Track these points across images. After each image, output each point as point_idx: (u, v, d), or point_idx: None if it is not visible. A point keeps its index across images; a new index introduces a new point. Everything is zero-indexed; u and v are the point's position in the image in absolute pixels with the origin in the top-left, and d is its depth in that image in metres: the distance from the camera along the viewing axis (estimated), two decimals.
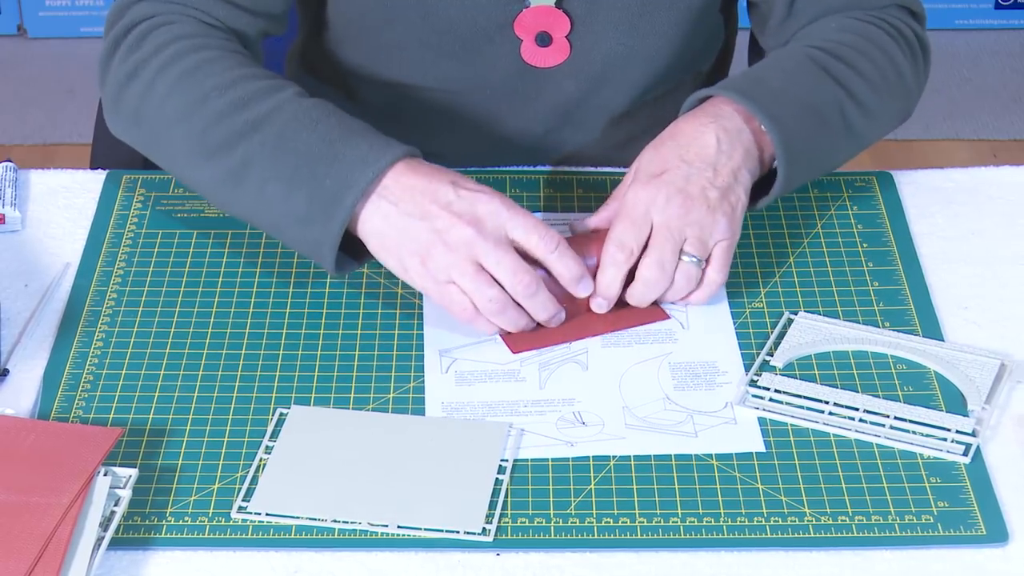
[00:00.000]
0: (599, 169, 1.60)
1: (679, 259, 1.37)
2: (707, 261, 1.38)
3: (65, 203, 1.55)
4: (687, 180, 1.37)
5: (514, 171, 1.58)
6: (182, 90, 1.42)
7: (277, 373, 1.35)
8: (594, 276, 1.37)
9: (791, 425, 1.31)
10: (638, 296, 1.38)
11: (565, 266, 1.35)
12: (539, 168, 1.59)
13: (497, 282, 1.33)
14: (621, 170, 1.59)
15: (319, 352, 1.38)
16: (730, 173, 1.39)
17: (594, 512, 1.23)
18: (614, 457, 1.28)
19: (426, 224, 1.33)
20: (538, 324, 1.37)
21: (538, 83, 1.58)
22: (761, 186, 1.44)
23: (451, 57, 1.57)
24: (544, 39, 1.54)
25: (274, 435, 1.29)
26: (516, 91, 1.59)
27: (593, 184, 1.57)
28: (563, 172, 1.58)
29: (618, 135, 1.65)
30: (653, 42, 1.57)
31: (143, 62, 1.45)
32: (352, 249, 1.38)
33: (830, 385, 1.34)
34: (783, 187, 1.42)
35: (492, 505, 1.23)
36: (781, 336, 1.39)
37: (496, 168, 1.59)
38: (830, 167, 1.52)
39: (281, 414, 1.31)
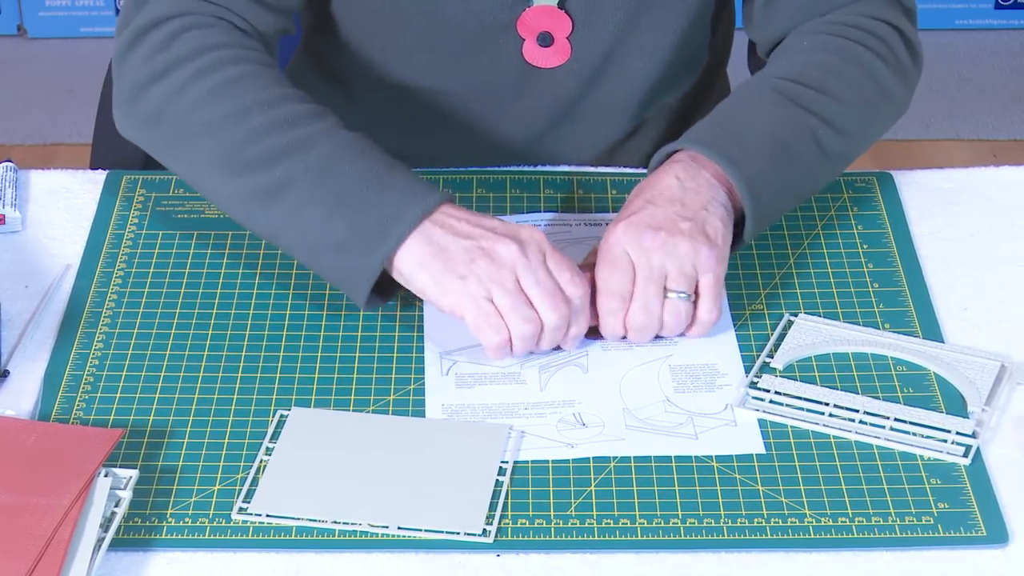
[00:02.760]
0: (599, 169, 1.60)
1: (665, 297, 1.35)
2: (697, 296, 1.36)
3: (65, 203, 1.55)
4: (653, 216, 1.36)
5: (514, 171, 1.58)
6: (220, 100, 1.39)
7: (277, 375, 1.35)
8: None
9: (791, 427, 1.31)
10: (633, 340, 1.37)
11: (584, 322, 1.35)
12: (539, 168, 1.59)
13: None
14: (621, 170, 1.59)
15: (319, 354, 1.38)
16: (699, 206, 1.37)
17: (594, 513, 1.23)
18: (614, 458, 1.28)
19: (470, 243, 1.32)
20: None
21: (539, 83, 1.58)
22: (737, 227, 1.43)
23: (454, 57, 1.57)
24: (546, 39, 1.55)
25: (274, 437, 1.29)
26: (517, 91, 1.59)
27: (593, 184, 1.57)
28: (563, 172, 1.58)
29: (618, 134, 1.65)
30: (653, 42, 1.57)
31: (174, 64, 1.42)
32: (378, 285, 1.36)
33: (830, 387, 1.34)
34: (755, 225, 1.41)
35: (492, 506, 1.23)
36: (781, 338, 1.39)
37: (496, 168, 1.59)
38: (811, 193, 1.50)
39: (281, 416, 1.31)
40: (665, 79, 1.61)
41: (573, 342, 1.35)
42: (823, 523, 1.22)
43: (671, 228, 1.35)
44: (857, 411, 1.31)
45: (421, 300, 1.42)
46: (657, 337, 1.37)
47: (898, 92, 1.52)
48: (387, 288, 1.37)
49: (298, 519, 1.22)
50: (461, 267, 1.32)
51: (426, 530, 1.21)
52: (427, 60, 1.58)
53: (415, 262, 1.33)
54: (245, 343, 1.39)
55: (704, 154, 1.40)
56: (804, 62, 1.48)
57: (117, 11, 3.55)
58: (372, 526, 1.22)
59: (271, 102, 1.39)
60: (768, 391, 1.33)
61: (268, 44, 1.51)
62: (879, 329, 1.40)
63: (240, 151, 1.37)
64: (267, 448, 1.28)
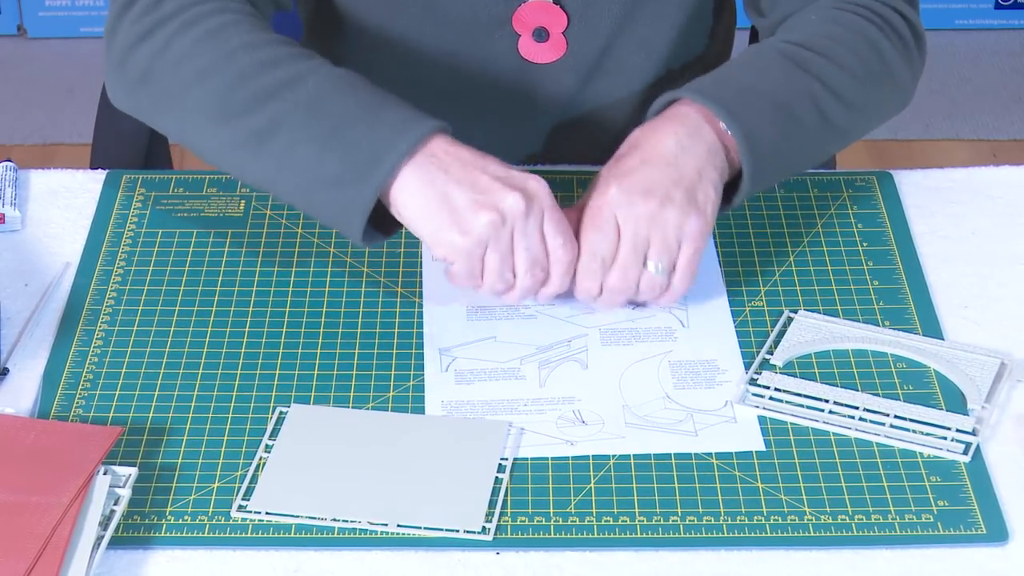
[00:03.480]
0: (599, 169, 1.59)
1: (644, 268, 1.35)
2: (675, 266, 1.36)
3: (65, 203, 1.55)
4: (649, 180, 1.35)
5: None
6: (204, 49, 1.37)
7: (277, 372, 1.35)
8: None
9: (791, 424, 1.31)
10: (605, 301, 1.37)
11: (559, 285, 1.35)
12: (539, 168, 1.59)
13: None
14: None
15: (319, 351, 1.38)
16: (694, 171, 1.36)
17: (594, 511, 1.23)
18: (614, 456, 1.28)
19: (477, 196, 1.31)
20: None
21: (534, 79, 1.58)
22: (734, 187, 1.42)
23: (449, 51, 1.57)
24: (541, 34, 1.55)
25: (274, 434, 1.29)
26: (513, 87, 1.59)
27: None
28: (563, 172, 1.58)
29: (616, 130, 1.65)
30: (651, 37, 1.57)
31: (159, 23, 1.40)
32: (377, 222, 1.35)
33: (830, 384, 1.34)
34: (751, 184, 1.39)
35: (492, 504, 1.23)
36: (781, 335, 1.39)
37: None
38: (810, 162, 1.48)
39: (281, 413, 1.31)
40: (663, 76, 1.61)
41: (545, 298, 1.36)
42: (823, 521, 1.22)
43: (663, 196, 1.34)
44: (857, 408, 1.31)
45: (421, 296, 1.43)
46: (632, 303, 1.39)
47: (902, 75, 1.51)
48: (387, 226, 1.37)
49: (297, 517, 1.22)
50: (465, 222, 1.30)
51: (426, 528, 1.21)
52: (422, 54, 1.58)
53: (418, 210, 1.32)
54: (244, 340, 1.39)
55: (706, 106, 1.38)
56: (812, 31, 1.47)
57: None
58: (372, 524, 1.22)
59: (256, 44, 1.37)
60: (768, 388, 1.33)
61: (263, 16, 1.49)
62: (879, 326, 1.40)
63: (228, 96, 1.35)
64: (266, 445, 1.28)
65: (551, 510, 1.23)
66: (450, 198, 1.31)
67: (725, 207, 1.41)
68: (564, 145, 1.64)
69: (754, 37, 1.73)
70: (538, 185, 1.33)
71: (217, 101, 1.36)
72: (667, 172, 1.35)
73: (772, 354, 1.37)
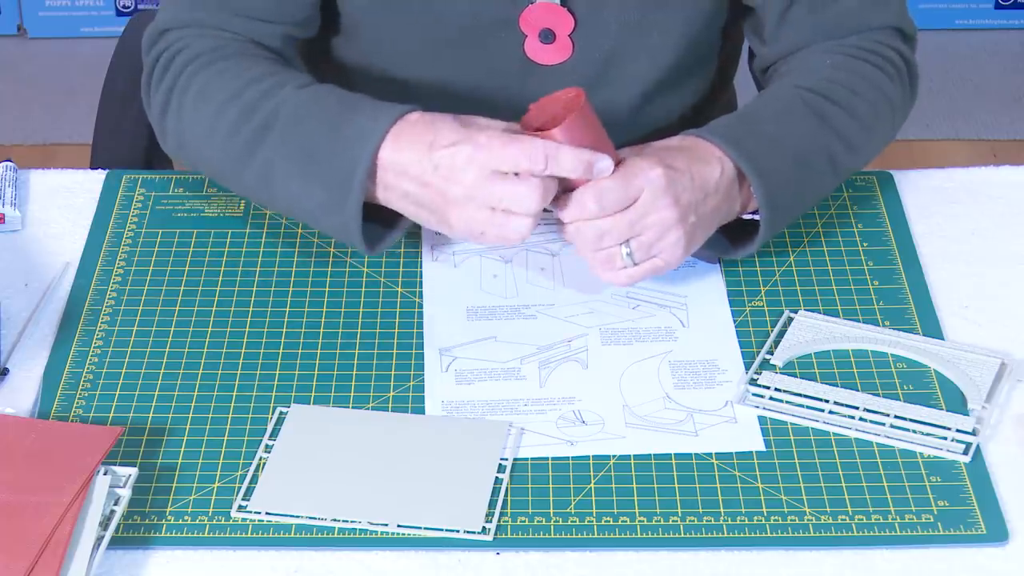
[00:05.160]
0: None
1: (619, 245, 1.36)
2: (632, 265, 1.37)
3: (65, 203, 1.55)
4: (684, 190, 1.36)
5: None
6: (200, 109, 1.45)
7: (277, 372, 1.35)
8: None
9: (791, 424, 1.31)
10: (567, 234, 1.37)
11: (567, 166, 1.33)
12: None
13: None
14: None
15: (319, 351, 1.38)
16: (712, 211, 1.38)
17: (594, 511, 1.23)
18: (614, 456, 1.28)
19: (432, 191, 1.34)
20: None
21: (540, 80, 1.58)
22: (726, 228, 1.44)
23: (456, 52, 1.57)
24: (548, 36, 1.54)
25: (274, 434, 1.29)
26: (519, 88, 1.58)
27: None
28: None
29: (621, 138, 1.64)
30: (657, 43, 1.57)
31: (170, 90, 1.49)
32: (388, 219, 1.40)
33: (830, 384, 1.34)
34: (763, 239, 1.42)
35: (492, 504, 1.23)
36: (781, 335, 1.39)
37: None
38: (809, 208, 1.51)
39: (281, 413, 1.31)
40: (669, 83, 1.61)
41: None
42: (823, 521, 1.22)
43: (683, 215, 1.35)
44: (857, 408, 1.31)
45: (421, 296, 1.43)
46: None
47: (902, 115, 1.56)
48: (395, 221, 1.41)
49: (297, 517, 1.22)
50: (445, 209, 1.34)
51: (426, 528, 1.21)
52: (429, 54, 1.58)
53: (404, 211, 1.38)
54: (244, 340, 1.39)
55: (740, 165, 1.39)
56: (831, 78, 1.49)
57: (117, 11, 3.56)
58: (372, 524, 1.22)
59: (235, 94, 1.44)
60: (768, 388, 1.33)
61: (275, 50, 1.53)
62: (879, 326, 1.40)
63: (228, 149, 1.43)
64: (266, 446, 1.28)
65: (551, 510, 1.23)
66: (423, 204, 1.36)
67: (729, 254, 1.44)
68: None
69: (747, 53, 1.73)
70: (471, 146, 1.33)
71: (225, 154, 1.44)
72: (700, 196, 1.37)
73: (772, 354, 1.37)
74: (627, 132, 1.64)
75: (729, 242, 1.44)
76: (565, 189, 1.35)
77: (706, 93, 1.67)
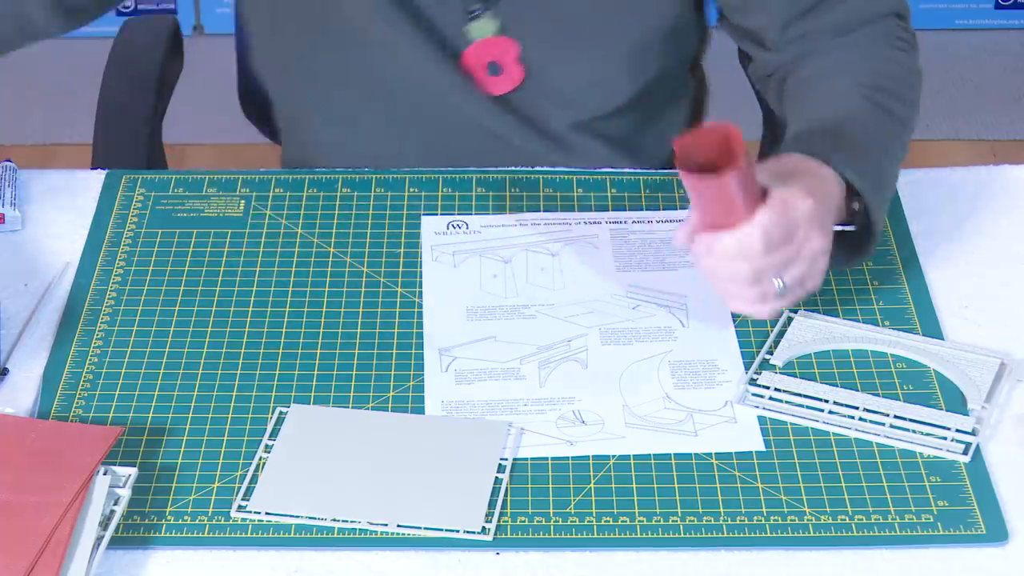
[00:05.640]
0: (599, 169, 1.59)
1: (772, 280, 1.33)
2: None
3: (65, 203, 1.55)
4: (827, 217, 1.34)
5: (514, 171, 1.58)
6: None
7: (276, 372, 1.35)
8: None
9: (791, 424, 1.31)
10: (710, 269, 1.33)
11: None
12: (539, 168, 1.59)
13: None
14: (621, 170, 1.59)
15: (319, 351, 1.38)
16: (831, 226, 1.36)
17: (594, 511, 1.23)
18: (614, 456, 1.28)
19: None
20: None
21: (505, 111, 1.57)
22: None
23: (415, 119, 1.57)
24: (495, 69, 1.55)
25: (273, 434, 1.29)
26: (485, 127, 1.58)
27: (593, 184, 1.57)
28: (563, 172, 1.58)
29: (593, 145, 1.63)
30: (610, 49, 1.56)
31: None
32: None
33: (830, 384, 1.34)
34: (877, 241, 1.41)
35: (492, 504, 1.23)
36: (781, 335, 1.39)
37: (496, 168, 1.59)
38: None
39: (281, 413, 1.31)
40: (635, 85, 1.59)
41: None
42: (822, 521, 1.22)
43: (827, 240, 1.34)
44: (857, 408, 1.31)
45: (421, 296, 1.43)
46: None
47: (922, 78, 1.57)
48: None
49: (297, 517, 1.22)
50: None
51: (425, 528, 1.21)
52: (387, 134, 1.59)
53: None
54: (244, 340, 1.39)
55: (853, 183, 1.37)
56: (873, 71, 1.50)
57: (117, 11, 3.55)
58: (371, 524, 1.22)
59: None
60: (768, 388, 1.33)
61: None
62: (879, 326, 1.40)
63: None
64: (266, 446, 1.28)
65: (551, 510, 1.23)
66: None
67: (851, 263, 1.43)
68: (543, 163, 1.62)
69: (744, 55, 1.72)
70: None
71: None
72: (831, 222, 1.35)
73: (772, 354, 1.37)
74: (605, 138, 1.62)
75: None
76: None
77: (681, 86, 1.66)
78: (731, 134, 1.28)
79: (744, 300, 1.34)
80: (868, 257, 1.43)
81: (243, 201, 1.54)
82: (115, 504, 1.21)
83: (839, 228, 1.40)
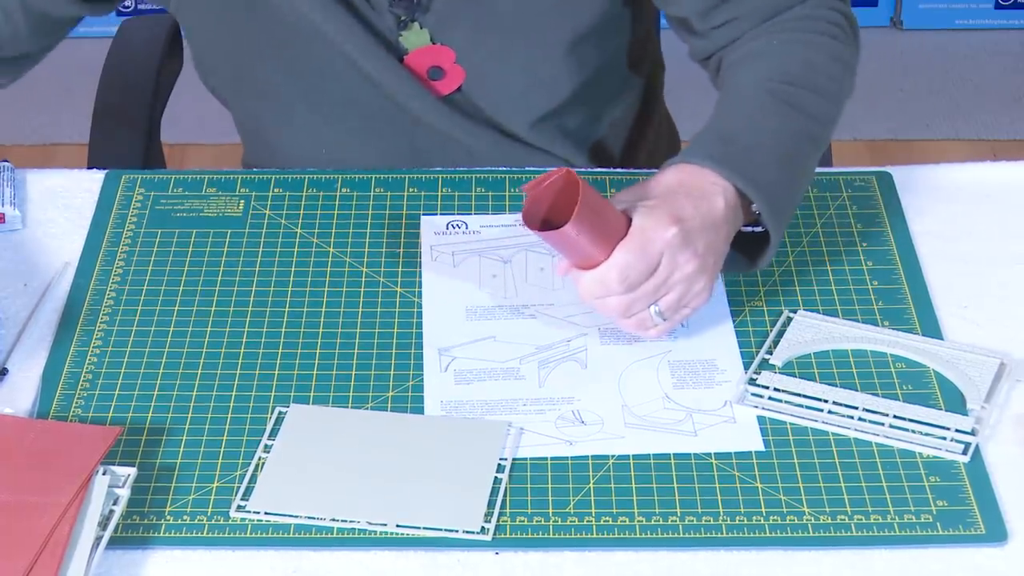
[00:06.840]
0: (599, 169, 1.60)
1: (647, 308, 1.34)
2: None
3: (64, 203, 1.55)
4: (699, 238, 1.33)
5: (513, 171, 1.58)
6: None
7: (276, 372, 1.35)
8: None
9: (790, 424, 1.31)
10: (598, 309, 1.36)
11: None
12: (538, 168, 1.59)
13: None
14: (620, 170, 1.59)
15: (318, 351, 1.37)
16: (725, 240, 1.36)
17: (593, 511, 1.23)
18: (613, 456, 1.28)
19: None
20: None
21: (454, 110, 1.57)
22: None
23: (371, 123, 1.58)
24: (436, 73, 1.55)
25: (273, 434, 1.29)
26: (442, 131, 1.58)
27: (592, 184, 1.56)
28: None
29: (551, 142, 1.63)
30: (543, 48, 1.56)
31: None
32: None
33: (829, 384, 1.34)
34: (775, 246, 1.39)
35: (491, 504, 1.23)
36: (780, 334, 1.39)
37: (495, 168, 1.58)
38: (805, 192, 1.48)
39: (280, 413, 1.31)
40: (581, 68, 1.59)
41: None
42: (822, 521, 1.22)
43: (703, 262, 1.33)
44: (856, 408, 1.31)
45: (420, 296, 1.43)
46: None
47: (854, 70, 1.53)
48: None
49: (296, 517, 1.22)
50: None
51: (425, 528, 1.21)
52: (356, 140, 1.59)
53: None
54: (243, 340, 1.39)
55: (735, 184, 1.37)
56: (786, 59, 1.48)
57: (117, 11, 3.55)
58: (371, 524, 1.22)
59: None
60: (767, 388, 1.33)
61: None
62: (878, 326, 1.40)
63: None
64: (265, 445, 1.28)
65: (550, 510, 1.23)
66: None
67: (745, 269, 1.42)
68: (507, 162, 1.62)
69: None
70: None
71: None
72: (713, 235, 1.34)
73: (771, 354, 1.37)
74: (563, 126, 1.62)
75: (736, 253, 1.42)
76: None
77: (628, 50, 1.66)
78: (570, 182, 1.31)
79: (625, 327, 1.36)
80: (766, 262, 1.40)
81: (243, 201, 1.54)
82: (114, 504, 1.21)
83: (747, 230, 1.40)
